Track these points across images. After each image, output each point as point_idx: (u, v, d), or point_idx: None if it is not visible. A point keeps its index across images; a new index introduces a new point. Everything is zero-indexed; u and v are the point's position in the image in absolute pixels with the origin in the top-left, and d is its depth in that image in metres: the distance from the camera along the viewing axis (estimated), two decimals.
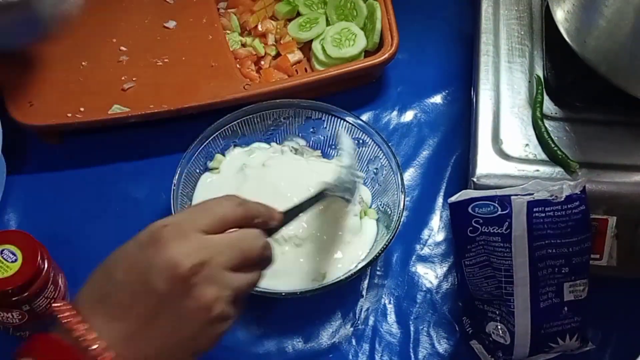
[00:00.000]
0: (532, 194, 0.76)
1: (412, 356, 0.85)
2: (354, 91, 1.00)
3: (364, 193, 0.90)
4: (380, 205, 0.89)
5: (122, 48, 0.99)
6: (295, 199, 0.75)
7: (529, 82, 0.90)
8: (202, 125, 0.90)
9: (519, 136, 0.86)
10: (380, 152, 0.90)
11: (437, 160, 0.97)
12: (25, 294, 0.78)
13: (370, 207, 0.90)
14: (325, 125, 0.93)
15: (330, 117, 0.92)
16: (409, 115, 1.00)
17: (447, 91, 1.02)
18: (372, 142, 0.90)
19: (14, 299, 0.78)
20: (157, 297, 0.60)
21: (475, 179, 0.83)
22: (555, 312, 0.78)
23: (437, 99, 1.02)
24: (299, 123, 0.93)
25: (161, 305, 0.60)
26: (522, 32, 0.94)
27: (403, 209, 0.85)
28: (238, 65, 0.99)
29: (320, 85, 0.96)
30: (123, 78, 0.97)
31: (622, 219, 0.82)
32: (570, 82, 0.89)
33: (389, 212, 0.87)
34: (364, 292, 0.88)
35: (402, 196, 0.86)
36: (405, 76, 1.03)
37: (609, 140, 0.85)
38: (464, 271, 0.80)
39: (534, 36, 0.93)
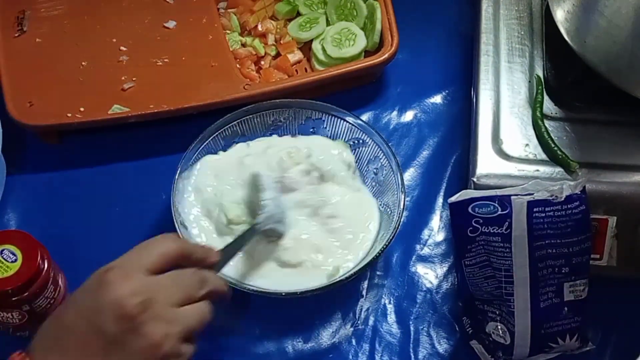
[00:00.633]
0: (532, 194, 0.76)
1: (412, 356, 0.85)
2: (354, 91, 1.00)
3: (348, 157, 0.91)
4: (380, 205, 0.89)
5: (122, 48, 0.99)
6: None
7: (529, 82, 0.90)
8: (202, 125, 0.90)
9: (519, 136, 0.86)
10: (380, 152, 0.90)
11: (437, 160, 0.97)
12: (26, 294, 0.78)
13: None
14: (325, 125, 0.93)
15: (330, 117, 0.92)
16: (409, 115, 1.00)
17: (447, 91, 1.02)
18: (372, 142, 0.90)
19: (14, 299, 0.78)
20: (106, 338, 0.61)
21: (475, 179, 0.83)
22: (555, 312, 0.78)
23: (437, 99, 1.02)
24: (299, 123, 0.93)
25: (111, 346, 0.61)
26: (522, 32, 0.94)
27: (403, 209, 0.85)
28: (238, 65, 0.99)
29: (320, 85, 0.96)
30: (123, 78, 0.97)
31: (622, 219, 0.82)
32: (570, 82, 0.90)
33: (389, 212, 0.87)
34: (364, 292, 0.88)
35: (402, 196, 0.86)
36: (405, 76, 1.03)
37: (609, 140, 0.86)
38: (464, 271, 0.80)
39: (534, 36, 0.93)
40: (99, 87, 0.96)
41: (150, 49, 0.99)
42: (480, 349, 0.82)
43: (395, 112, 1.00)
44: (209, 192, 0.88)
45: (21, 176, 0.95)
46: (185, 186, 0.88)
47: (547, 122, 0.86)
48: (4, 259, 0.77)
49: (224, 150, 0.91)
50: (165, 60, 0.98)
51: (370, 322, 0.87)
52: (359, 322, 0.87)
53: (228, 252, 0.76)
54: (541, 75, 0.90)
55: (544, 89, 0.89)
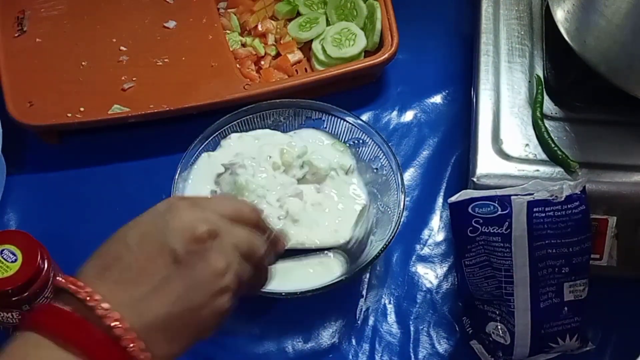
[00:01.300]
0: (532, 194, 0.76)
1: (412, 356, 0.85)
2: (354, 91, 1.00)
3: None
4: (381, 205, 0.89)
5: (122, 48, 0.99)
6: None
7: (529, 82, 0.90)
8: (202, 125, 0.90)
9: (519, 136, 0.86)
10: (380, 152, 0.90)
11: (437, 160, 0.97)
12: (25, 294, 0.78)
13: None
14: (325, 125, 0.93)
15: (330, 117, 0.92)
16: (409, 115, 1.00)
17: (447, 91, 1.02)
18: (372, 142, 0.90)
19: (14, 299, 0.78)
20: (171, 258, 0.59)
21: (475, 179, 0.83)
22: (555, 312, 0.78)
23: (437, 99, 1.02)
24: (299, 123, 0.93)
25: (174, 267, 0.59)
26: (522, 32, 0.94)
27: (403, 209, 0.85)
28: (238, 65, 0.99)
29: (320, 85, 0.96)
30: (123, 78, 0.97)
31: (622, 219, 0.82)
32: (570, 82, 0.89)
33: (389, 212, 0.87)
34: (364, 292, 0.88)
35: (402, 196, 0.86)
36: (405, 76, 1.03)
37: (609, 140, 0.85)
38: (464, 271, 0.80)
39: (534, 36, 0.93)
40: (99, 87, 0.96)
41: (151, 48, 0.99)
42: (480, 349, 0.82)
43: (395, 112, 1.00)
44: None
45: (21, 176, 0.95)
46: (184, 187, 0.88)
47: (547, 122, 0.86)
48: (3, 259, 0.77)
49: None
50: (166, 60, 0.98)
51: (370, 322, 0.87)
52: (359, 322, 0.87)
53: (287, 253, 0.73)
54: (541, 75, 0.90)
55: (544, 89, 0.89)
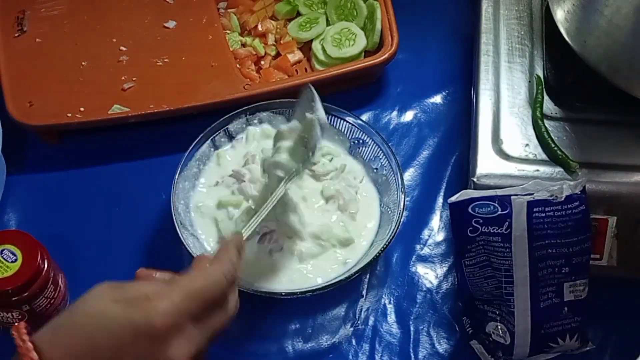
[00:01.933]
0: (532, 194, 0.76)
1: (412, 356, 0.85)
2: (354, 91, 1.00)
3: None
4: (381, 205, 0.89)
5: (122, 48, 0.99)
6: None
7: (529, 82, 0.90)
8: (202, 125, 0.90)
9: (519, 136, 0.86)
10: (380, 152, 0.90)
11: (437, 160, 0.97)
12: (25, 294, 0.78)
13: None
14: None
15: (330, 117, 0.92)
16: (409, 115, 1.00)
17: (447, 91, 1.02)
18: (372, 142, 0.90)
19: (13, 298, 0.78)
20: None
21: (475, 179, 0.83)
22: (555, 312, 0.78)
23: (437, 99, 1.02)
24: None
25: None
26: (522, 32, 0.94)
27: (403, 209, 0.85)
28: (238, 65, 0.99)
29: (320, 85, 0.96)
30: (123, 78, 0.97)
31: (622, 219, 0.82)
32: (570, 82, 0.90)
33: (389, 212, 0.87)
34: (364, 292, 0.88)
35: (402, 196, 0.86)
36: (405, 76, 1.03)
37: (609, 140, 0.86)
38: (464, 271, 0.80)
39: (534, 36, 0.93)
40: (99, 87, 0.96)
41: (151, 49, 0.99)
42: (480, 349, 0.82)
43: (395, 112, 1.00)
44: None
45: (21, 176, 0.95)
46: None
47: (547, 122, 0.86)
48: (3, 259, 0.77)
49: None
50: (166, 60, 0.98)
51: (370, 322, 0.87)
52: (359, 322, 0.87)
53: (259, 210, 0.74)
54: (541, 75, 0.90)
55: (544, 89, 0.89)
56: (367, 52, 1.00)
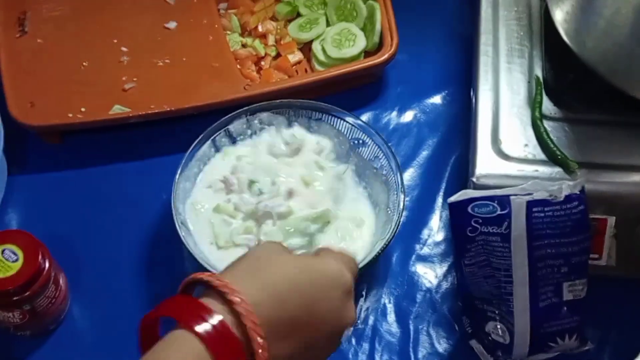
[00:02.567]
0: (532, 194, 0.76)
1: (412, 356, 0.85)
2: (354, 91, 1.00)
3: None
4: (381, 205, 0.89)
5: (123, 48, 1.00)
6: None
7: (529, 82, 0.90)
8: (203, 125, 0.90)
9: (518, 136, 0.86)
10: (380, 152, 0.90)
11: (437, 160, 0.97)
12: (26, 294, 0.78)
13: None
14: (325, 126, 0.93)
15: (330, 117, 0.92)
16: (408, 116, 1.01)
17: (446, 91, 1.02)
18: (372, 142, 0.90)
19: (15, 298, 0.78)
20: (334, 303, 0.63)
21: (474, 179, 0.83)
22: (554, 311, 0.78)
23: (437, 99, 1.02)
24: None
25: (333, 312, 0.63)
26: (522, 33, 0.94)
27: (403, 209, 0.85)
28: (238, 66, 0.99)
29: (320, 85, 0.97)
30: (124, 78, 0.97)
31: (621, 218, 0.82)
32: (569, 82, 0.90)
33: (389, 212, 0.87)
34: (363, 292, 0.88)
35: (402, 196, 0.86)
36: (405, 76, 1.03)
37: (608, 140, 0.86)
38: (463, 271, 0.80)
39: (533, 37, 0.93)
40: (100, 88, 0.96)
41: (151, 49, 0.99)
42: (479, 348, 0.82)
43: (395, 112, 1.01)
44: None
45: (22, 176, 0.95)
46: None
47: (546, 123, 0.87)
48: (5, 258, 0.78)
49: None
50: (166, 60, 0.99)
51: (370, 321, 0.87)
52: (358, 321, 0.87)
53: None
54: (540, 76, 0.90)
55: (543, 90, 0.89)
56: (367, 53, 1.00)
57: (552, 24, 0.89)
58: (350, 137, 0.92)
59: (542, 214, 0.76)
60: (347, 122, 0.92)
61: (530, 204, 0.75)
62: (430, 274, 0.90)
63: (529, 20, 0.95)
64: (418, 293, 0.89)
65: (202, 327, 0.55)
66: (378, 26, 0.99)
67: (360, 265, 0.83)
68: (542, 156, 0.85)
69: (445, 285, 0.89)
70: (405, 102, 1.01)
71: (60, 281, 0.83)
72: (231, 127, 0.91)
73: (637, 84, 0.84)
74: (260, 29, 1.03)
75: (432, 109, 1.01)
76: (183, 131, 0.92)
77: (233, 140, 0.92)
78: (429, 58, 1.05)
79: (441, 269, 0.90)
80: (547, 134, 0.85)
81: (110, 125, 0.95)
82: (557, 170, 0.84)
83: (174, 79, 0.97)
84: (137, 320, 0.59)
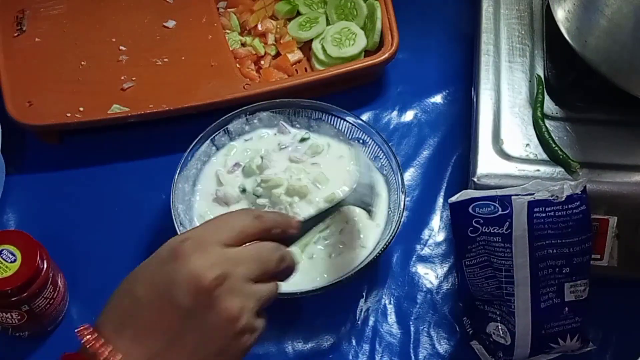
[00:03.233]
0: (533, 194, 0.76)
1: (413, 356, 0.85)
2: (354, 91, 1.00)
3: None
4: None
5: (122, 47, 0.99)
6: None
7: (530, 81, 0.90)
8: (202, 125, 0.90)
9: (519, 136, 0.86)
10: (381, 152, 0.90)
11: (437, 160, 0.97)
12: (25, 294, 0.78)
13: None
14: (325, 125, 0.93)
15: (330, 117, 0.92)
16: (409, 115, 1.00)
17: (447, 91, 1.02)
18: (372, 142, 0.90)
19: (13, 299, 0.78)
20: (181, 313, 0.60)
21: (475, 179, 0.83)
22: (556, 312, 0.78)
23: (438, 98, 1.01)
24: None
25: (186, 321, 0.60)
26: (523, 32, 0.94)
27: (403, 209, 0.85)
28: (238, 65, 0.99)
29: (320, 84, 0.96)
30: (122, 78, 0.96)
31: (623, 219, 0.82)
32: (570, 81, 0.89)
33: (389, 212, 0.87)
34: (364, 293, 0.88)
35: (402, 196, 0.86)
36: (405, 76, 1.03)
37: (609, 140, 0.85)
38: (464, 271, 0.80)
39: (534, 36, 0.93)
40: (98, 87, 0.96)
41: (150, 48, 0.99)
42: (480, 349, 0.82)
43: (395, 112, 1.00)
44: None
45: (21, 176, 0.95)
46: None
47: (547, 122, 0.86)
48: (3, 259, 0.77)
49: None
50: (165, 59, 0.98)
51: (371, 322, 0.87)
52: (359, 322, 0.87)
53: (307, 224, 0.72)
54: (542, 75, 0.90)
55: (544, 89, 0.89)
56: (367, 52, 1.00)
57: (553, 22, 0.89)
58: (350, 137, 0.92)
59: (544, 214, 0.75)
60: (347, 121, 0.92)
61: (532, 204, 0.75)
62: (431, 275, 0.90)
63: (530, 19, 0.94)
64: (419, 294, 0.88)
65: None
66: (378, 25, 0.99)
67: (361, 266, 0.83)
68: (544, 156, 0.85)
69: (446, 285, 0.89)
70: (405, 101, 1.01)
71: (59, 282, 0.83)
72: (230, 127, 0.91)
73: (639, 83, 0.84)
74: (259, 27, 1.03)
75: (433, 109, 1.01)
76: (182, 131, 0.92)
77: (232, 140, 0.92)
78: (430, 57, 1.04)
79: (442, 269, 0.90)
80: (549, 134, 0.85)
81: (108, 125, 0.94)
82: (558, 170, 0.83)
83: (173, 78, 0.97)
84: None
